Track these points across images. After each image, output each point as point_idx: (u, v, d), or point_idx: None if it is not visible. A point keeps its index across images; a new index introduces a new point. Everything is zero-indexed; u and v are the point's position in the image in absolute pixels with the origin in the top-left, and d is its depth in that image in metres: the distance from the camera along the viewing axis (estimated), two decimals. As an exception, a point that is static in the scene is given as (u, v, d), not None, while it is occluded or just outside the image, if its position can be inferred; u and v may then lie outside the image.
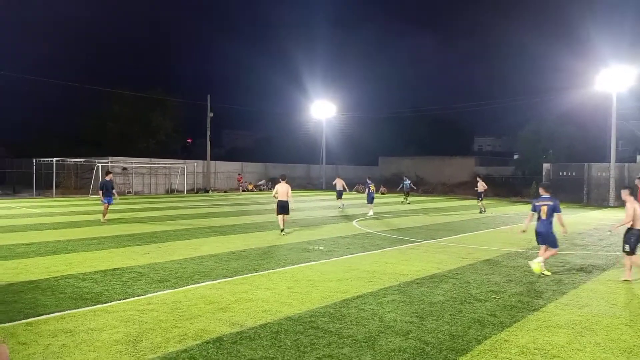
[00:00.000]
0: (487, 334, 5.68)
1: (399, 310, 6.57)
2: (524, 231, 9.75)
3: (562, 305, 7.00)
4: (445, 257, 10.72)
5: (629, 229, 8.49)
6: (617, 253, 11.78)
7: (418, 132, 62.97)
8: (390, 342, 5.37)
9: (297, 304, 6.81)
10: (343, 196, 25.40)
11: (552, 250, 9.21)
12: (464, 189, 42.03)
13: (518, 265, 9.98)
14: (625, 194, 8.73)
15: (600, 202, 31.87)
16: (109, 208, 17.05)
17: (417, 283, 8.21)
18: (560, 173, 34.05)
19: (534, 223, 9.37)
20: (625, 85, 31.52)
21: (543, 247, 9.28)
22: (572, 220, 20.47)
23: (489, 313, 6.54)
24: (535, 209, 9.30)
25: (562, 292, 7.77)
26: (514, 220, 19.65)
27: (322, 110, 49.36)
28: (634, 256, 8.47)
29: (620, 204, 29.09)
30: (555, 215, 9.06)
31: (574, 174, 33.03)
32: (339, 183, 25.67)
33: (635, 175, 31.36)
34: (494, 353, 5.11)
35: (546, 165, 35.54)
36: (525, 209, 26.71)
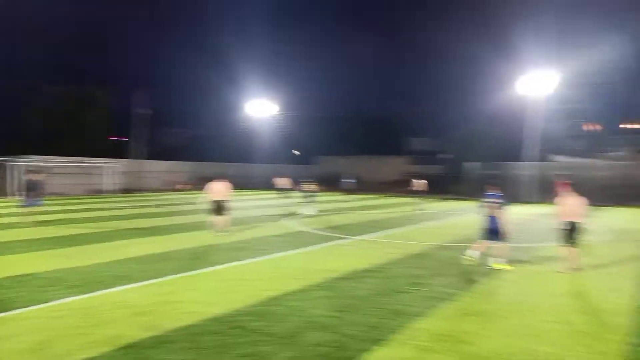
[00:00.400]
0: (403, 324, 5.90)
1: (323, 306, 6.66)
2: (476, 227, 10.25)
3: (477, 294, 7.43)
4: (375, 253, 11.00)
5: (564, 222, 9.19)
6: (533, 245, 12.67)
7: (356, 132, 64.18)
8: (311, 336, 5.43)
9: (222, 304, 6.71)
10: (288, 194, 25.15)
11: (503, 245, 9.56)
12: (398, 187, 43.41)
13: (442, 258, 10.45)
14: (562, 188, 9.46)
15: (522, 198, 34.08)
16: (34, 210, 15.83)
17: (345, 278, 8.37)
18: (486, 171, 36.03)
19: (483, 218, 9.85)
20: (546, 89, 33.93)
21: (488, 243, 9.63)
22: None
23: (409, 304, 6.79)
24: (484, 206, 9.72)
25: (478, 282, 8.24)
26: (443, 217, 20.53)
27: (260, 108, 48.98)
28: (566, 248, 9.20)
29: (540, 199, 31.29)
30: (500, 211, 9.50)
31: (498, 172, 35.04)
32: (282, 182, 25.39)
33: (551, 173, 33.86)
34: (408, 341, 5.32)
35: (473, 164, 37.49)
36: (454, 205, 28.03)
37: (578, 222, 9.14)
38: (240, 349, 5.05)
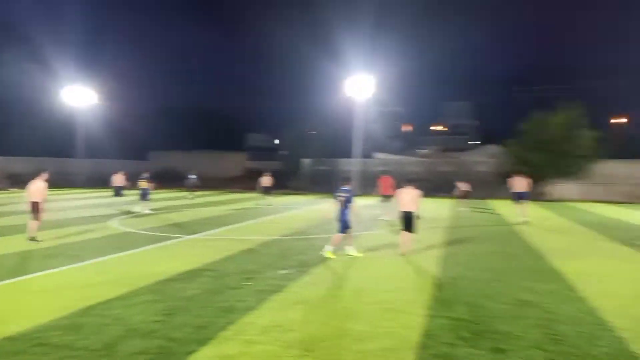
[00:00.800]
0: (233, 320, 5.92)
1: (147, 311, 6.29)
2: (330, 218, 10.72)
3: (304, 284, 7.83)
4: (206, 251, 10.78)
5: (401, 212, 10.55)
6: (361, 233, 13.83)
7: (192, 126, 62.02)
8: (132, 345, 5.08)
9: (24, 321, 5.84)
10: (122, 193, 22.80)
11: (341, 235, 10.22)
12: (237, 183, 43.33)
13: (275, 251, 10.75)
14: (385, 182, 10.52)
15: (349, 192, 37.08)
16: None
17: (174, 280, 8.03)
18: (317, 167, 38.27)
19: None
20: (367, 92, 37.30)
21: (342, 234, 10.18)
22: (325, 207, 23.23)
23: (240, 300, 6.84)
24: (337, 199, 10.27)
25: (305, 272, 8.69)
26: (278, 211, 21.14)
27: (79, 97, 43.86)
28: (402, 234, 10.56)
29: (365, 192, 34.33)
30: (350, 204, 10.16)
31: (327, 168, 37.51)
32: (117, 179, 22.89)
33: (373, 169, 37.47)
34: (235, 337, 5.35)
35: (306, 161, 39.44)
36: (292, 200, 29.09)
37: (412, 212, 10.45)
38: (45, 369, 4.47)
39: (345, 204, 10.20)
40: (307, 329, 5.65)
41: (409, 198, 10.52)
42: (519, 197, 17.76)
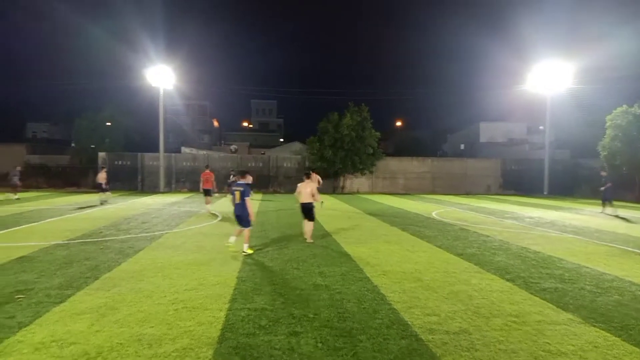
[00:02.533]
0: (1, 340, 4.93)
1: None
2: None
3: (92, 290, 7.01)
4: (-36, 262, 8.79)
5: (301, 204, 11.66)
6: (155, 233, 13.04)
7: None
8: None
9: None
10: None
11: (247, 230, 10.16)
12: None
13: (55, 258, 9.36)
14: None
15: (153, 189, 34.90)
16: None
17: None
18: (116, 162, 35.03)
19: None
20: (171, 83, 35.56)
21: (239, 229, 10.20)
22: (124, 206, 21.37)
23: (7, 316, 5.74)
24: (232, 193, 10.15)
25: (95, 277, 7.80)
26: (64, 212, 18.60)
27: None
28: (306, 223, 11.69)
29: (176, 188, 32.68)
30: (246, 199, 9.92)
31: (129, 162, 34.68)
32: None
33: (181, 164, 36.06)
34: (1, 359, 4.47)
35: (102, 154, 35.73)
36: (82, 199, 25.94)
37: (311, 202, 11.61)
38: None
39: (242, 197, 9.94)
40: (93, 339, 5.05)
41: (308, 191, 11.53)
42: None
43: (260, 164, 37.53)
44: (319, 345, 5.03)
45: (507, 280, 8.09)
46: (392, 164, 39.44)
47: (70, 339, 5.04)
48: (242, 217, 10.09)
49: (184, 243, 11.34)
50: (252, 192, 10.25)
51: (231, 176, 26.18)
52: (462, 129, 67.47)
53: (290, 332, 5.39)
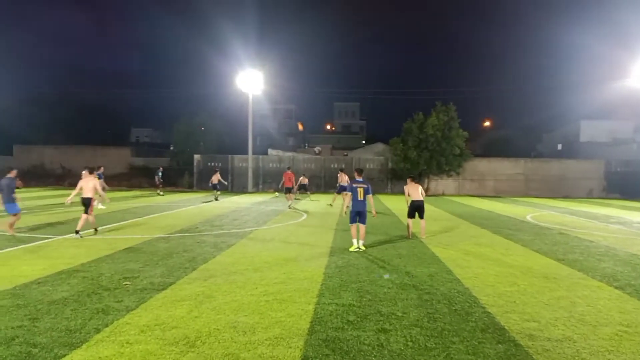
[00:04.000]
0: (108, 322, 5.41)
1: (6, 317, 5.50)
2: (346, 213, 10.54)
3: (191, 279, 7.46)
4: (80, 251, 9.80)
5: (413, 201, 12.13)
6: (246, 230, 13.59)
7: (65, 118, 56.23)
8: (-18, 356, 4.38)
9: None
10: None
11: (363, 227, 10.21)
12: (119, 180, 40.29)
13: (157, 249, 10.10)
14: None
15: (242, 189, 36.49)
16: None
17: (39, 283, 7.14)
18: (209, 164, 37.09)
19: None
20: (259, 88, 36.97)
21: (355, 225, 10.24)
22: (216, 204, 22.58)
23: (116, 300, 6.29)
24: (352, 191, 10.16)
25: (193, 267, 8.30)
26: (164, 209, 20.05)
27: None
28: (417, 221, 12.30)
29: (263, 188, 34.01)
30: (368, 196, 10.06)
31: (220, 164, 36.55)
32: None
33: (268, 165, 37.37)
34: (112, 338, 4.90)
35: (197, 157, 38.02)
36: (179, 198, 27.82)
37: (422, 201, 12.11)
38: None
39: (365, 194, 10.15)
40: (193, 325, 5.37)
41: (418, 191, 12.07)
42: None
43: (343, 165, 37.73)
44: (409, 343, 4.91)
45: (616, 288, 7.36)
46: (481, 165, 37.71)
47: (172, 323, 5.39)
48: (363, 214, 10.23)
49: (272, 239, 11.71)
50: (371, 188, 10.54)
51: (302, 177, 27.00)
52: (559, 127, 62.73)
53: (379, 329, 5.33)
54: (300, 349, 4.68)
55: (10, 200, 11.79)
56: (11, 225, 11.74)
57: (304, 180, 26.52)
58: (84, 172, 15.42)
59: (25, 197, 25.53)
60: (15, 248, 10.12)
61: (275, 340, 4.91)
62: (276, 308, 6.02)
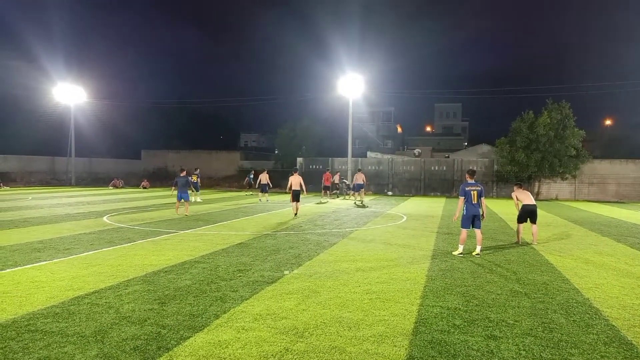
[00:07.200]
0: (226, 309, 5.87)
1: (139, 300, 6.23)
2: (457, 218, 10.10)
3: (297, 275, 7.80)
4: (200, 245, 10.72)
5: (523, 205, 11.94)
6: (346, 230, 13.81)
7: (183, 125, 61.71)
8: (123, 332, 5.02)
9: (12, 309, 5.76)
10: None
11: (479, 231, 10.00)
12: (230, 181, 43.20)
13: (265, 245, 10.70)
14: None
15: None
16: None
17: (165, 271, 7.96)
18: (311, 166, 38.20)
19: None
20: (358, 92, 37.29)
21: (466, 230, 9.89)
22: (317, 206, 23.19)
23: (232, 290, 6.79)
24: (466, 194, 9.79)
25: (298, 263, 8.67)
26: (269, 208, 21.07)
27: (70, 94, 43.50)
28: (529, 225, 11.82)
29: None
30: (481, 199, 9.77)
31: (321, 166, 37.46)
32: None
33: (368, 168, 37.46)
34: (229, 324, 5.31)
35: (299, 159, 39.35)
36: (281, 198, 28.99)
37: (535, 205, 11.80)
38: (34, 353, 4.40)
39: (478, 197, 9.78)
40: (301, 316, 5.63)
41: (530, 196, 11.96)
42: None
43: (444, 168, 36.56)
44: (522, 352, 4.67)
45: None
46: (601, 167, 34.21)
47: (281, 314, 5.71)
48: (478, 217, 9.86)
49: (372, 240, 11.78)
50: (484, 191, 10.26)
51: (338, 176, 30.60)
52: (701, 125, 54.67)
53: (488, 335, 5.14)
54: (406, 348, 4.69)
55: (184, 191, 17.00)
56: (186, 209, 17.28)
57: (337, 178, 30.67)
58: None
59: (152, 196, 28.40)
60: (144, 240, 11.36)
61: (380, 337, 4.97)
62: (379, 307, 6.08)
